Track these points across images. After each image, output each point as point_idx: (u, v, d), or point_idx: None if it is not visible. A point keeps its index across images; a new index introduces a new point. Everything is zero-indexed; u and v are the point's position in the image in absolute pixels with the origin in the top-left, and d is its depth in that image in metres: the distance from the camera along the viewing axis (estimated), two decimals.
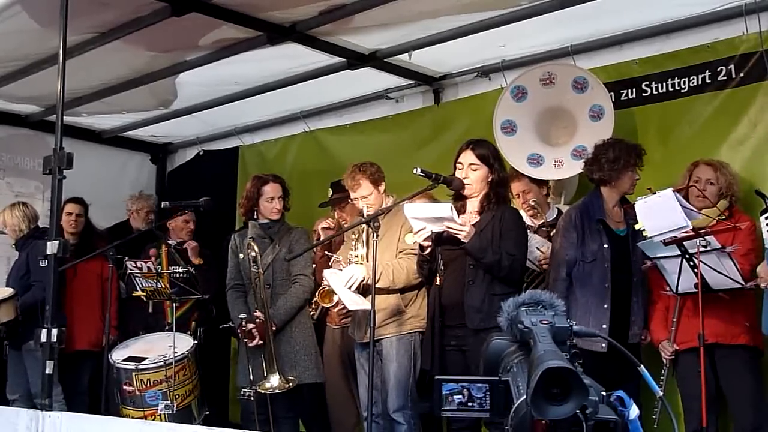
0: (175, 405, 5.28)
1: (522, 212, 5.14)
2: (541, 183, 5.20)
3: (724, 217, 4.30)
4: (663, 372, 4.42)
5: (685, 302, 4.29)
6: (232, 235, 5.69)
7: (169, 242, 6.30)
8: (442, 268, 4.33)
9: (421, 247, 4.29)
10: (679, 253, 3.97)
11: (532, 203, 5.06)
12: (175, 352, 5.34)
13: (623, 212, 4.50)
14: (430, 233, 4.19)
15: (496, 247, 4.18)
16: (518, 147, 5.19)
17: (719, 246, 3.92)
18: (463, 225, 4.16)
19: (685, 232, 3.84)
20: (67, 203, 6.22)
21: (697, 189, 4.39)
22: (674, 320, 4.33)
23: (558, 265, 4.52)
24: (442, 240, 4.27)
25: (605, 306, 4.34)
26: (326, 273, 4.85)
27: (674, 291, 4.17)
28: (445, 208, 4.13)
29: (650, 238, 3.97)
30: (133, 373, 5.37)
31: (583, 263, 4.44)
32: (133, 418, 5.25)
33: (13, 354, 6.05)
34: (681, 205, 3.83)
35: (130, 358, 5.50)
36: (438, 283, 4.35)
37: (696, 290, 4.01)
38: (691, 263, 3.97)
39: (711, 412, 4.23)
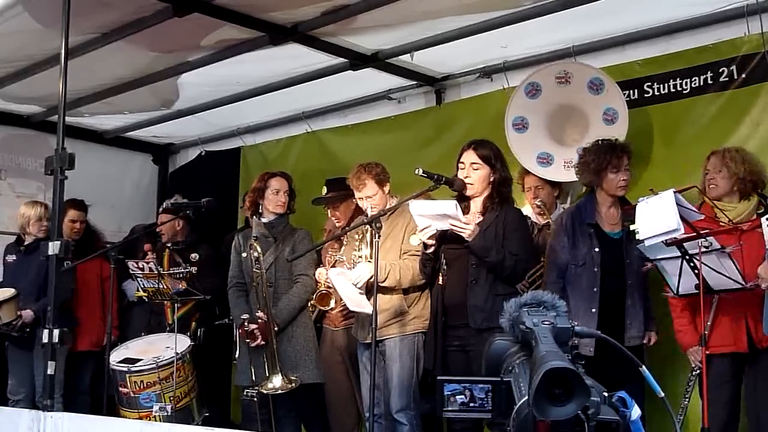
0: (169, 406, 5.28)
1: (529, 208, 5.16)
2: (554, 183, 5.19)
3: (761, 210, 4.23)
4: (691, 377, 4.34)
5: (720, 303, 4.18)
6: (236, 234, 5.70)
7: (168, 244, 6.30)
8: (445, 267, 4.33)
9: (425, 246, 4.30)
10: (679, 254, 3.95)
11: (538, 203, 5.05)
12: (176, 353, 5.34)
13: (620, 214, 4.48)
14: (435, 231, 4.19)
15: (500, 247, 4.18)
16: (529, 145, 5.18)
17: (719, 246, 3.90)
18: (468, 223, 4.16)
19: (686, 231, 3.82)
20: (69, 209, 6.22)
21: (708, 180, 4.34)
22: (708, 323, 4.18)
23: (550, 269, 4.53)
24: (445, 239, 4.28)
25: (593, 310, 4.31)
26: (332, 272, 4.85)
27: (675, 293, 4.15)
28: (450, 205, 4.14)
29: (642, 241, 3.94)
30: (127, 375, 5.38)
31: (574, 267, 4.42)
32: (130, 419, 5.25)
33: (20, 355, 5.99)
34: (681, 206, 3.81)
35: (125, 360, 5.50)
36: (441, 282, 4.35)
37: (696, 291, 3.99)
38: (692, 264, 3.95)
39: (734, 421, 4.23)
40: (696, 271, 3.93)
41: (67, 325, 6.01)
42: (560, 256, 4.45)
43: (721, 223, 4.19)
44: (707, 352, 4.23)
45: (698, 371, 4.31)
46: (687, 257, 3.93)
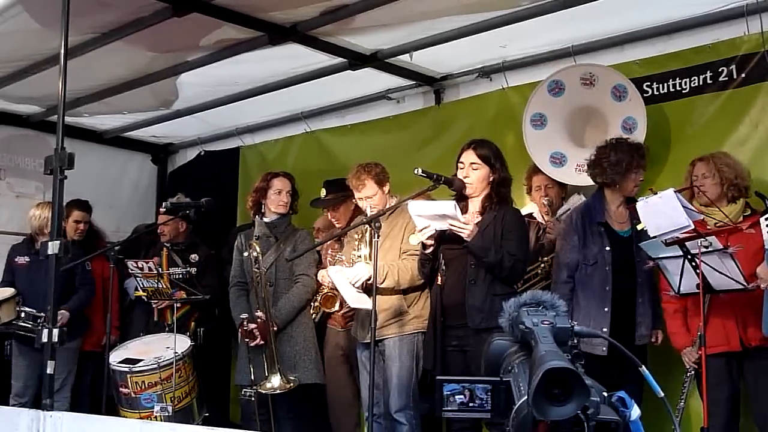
0: (171, 407, 5.26)
1: (532, 207, 5.15)
2: (562, 183, 5.19)
3: (748, 212, 4.28)
4: (686, 379, 4.34)
5: (712, 303, 4.19)
6: (238, 234, 5.71)
7: (167, 244, 6.28)
8: (444, 267, 4.33)
9: (424, 246, 4.30)
10: (680, 253, 3.96)
11: (545, 201, 5.05)
12: (175, 353, 5.34)
13: (628, 212, 4.48)
14: (434, 231, 4.19)
15: (498, 248, 4.18)
16: (544, 142, 5.17)
17: (721, 246, 3.91)
18: (467, 223, 4.16)
19: (687, 232, 3.83)
20: (73, 210, 6.21)
21: (696, 187, 4.38)
22: (701, 324, 4.17)
23: (559, 268, 4.52)
24: (444, 239, 4.28)
25: (605, 309, 4.32)
26: (330, 270, 4.85)
27: (676, 292, 4.16)
28: (449, 206, 4.14)
29: (653, 238, 3.96)
30: (128, 375, 5.36)
31: (585, 266, 4.43)
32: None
33: (31, 355, 5.91)
34: (682, 205, 3.82)
35: (126, 360, 5.48)
36: (439, 282, 4.35)
37: (698, 291, 4.00)
38: (693, 264, 3.96)
39: (735, 419, 4.24)
40: (697, 271, 3.93)
41: (82, 328, 6.04)
42: (571, 255, 4.45)
43: (719, 224, 4.20)
44: (700, 354, 4.25)
45: (692, 372, 4.34)
46: (689, 257, 3.93)
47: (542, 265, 4.88)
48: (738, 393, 4.30)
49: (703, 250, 3.87)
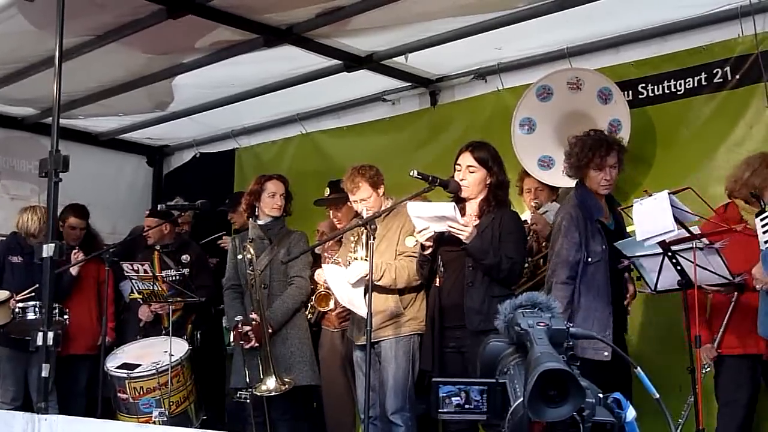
0: (168, 412, 5.24)
1: (527, 209, 5.16)
2: (553, 186, 5.18)
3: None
4: (704, 372, 4.25)
5: (737, 304, 4.15)
6: (233, 236, 5.70)
7: (156, 247, 6.25)
8: (442, 269, 4.33)
9: (423, 247, 4.29)
10: (660, 251, 3.88)
11: (534, 204, 5.06)
12: (170, 356, 5.32)
13: (607, 205, 4.36)
14: (433, 233, 4.18)
15: (496, 250, 4.18)
16: (533, 146, 5.20)
17: (706, 242, 3.89)
18: (466, 225, 4.16)
19: (678, 235, 3.82)
20: (70, 216, 6.20)
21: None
22: (723, 323, 4.16)
23: (559, 268, 4.19)
24: (443, 240, 4.27)
25: (609, 307, 4.14)
26: (326, 267, 4.83)
27: (652, 289, 4.10)
28: (448, 207, 4.14)
29: (640, 241, 3.90)
30: (126, 381, 5.34)
31: (586, 264, 4.16)
32: None
33: (18, 358, 5.92)
34: (675, 207, 3.81)
35: (124, 365, 5.46)
36: (438, 284, 4.35)
37: (678, 287, 3.97)
38: (674, 261, 3.92)
39: (750, 422, 4.23)
40: (679, 267, 3.91)
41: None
42: (572, 253, 4.17)
43: (734, 227, 4.16)
44: (720, 352, 4.23)
45: (708, 369, 4.29)
46: (669, 254, 3.89)
47: (526, 266, 4.85)
48: (757, 396, 4.27)
49: (688, 246, 3.84)
